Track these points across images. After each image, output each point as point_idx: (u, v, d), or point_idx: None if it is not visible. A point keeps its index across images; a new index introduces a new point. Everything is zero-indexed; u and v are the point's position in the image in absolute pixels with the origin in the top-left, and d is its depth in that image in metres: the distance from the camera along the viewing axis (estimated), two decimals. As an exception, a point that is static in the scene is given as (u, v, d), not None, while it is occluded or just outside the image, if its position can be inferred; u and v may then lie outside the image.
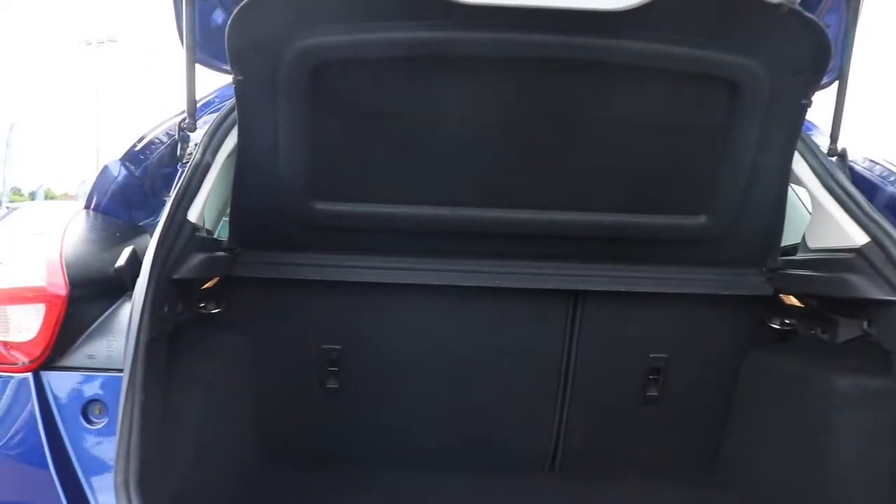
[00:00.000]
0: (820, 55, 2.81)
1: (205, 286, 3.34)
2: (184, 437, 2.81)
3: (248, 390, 3.61)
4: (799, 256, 3.48)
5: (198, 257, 2.70)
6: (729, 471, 3.75)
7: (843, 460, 2.94)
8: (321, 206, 3.29)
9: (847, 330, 3.25)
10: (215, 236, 3.42)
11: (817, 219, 3.28)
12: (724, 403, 3.79)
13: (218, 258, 3.07)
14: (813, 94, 2.96)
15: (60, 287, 2.38)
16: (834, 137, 3.30)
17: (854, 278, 2.88)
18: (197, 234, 2.80)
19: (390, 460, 3.84)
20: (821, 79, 2.90)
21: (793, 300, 3.56)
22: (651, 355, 3.71)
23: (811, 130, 3.44)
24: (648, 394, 3.77)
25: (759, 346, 3.72)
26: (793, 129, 3.08)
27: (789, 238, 3.60)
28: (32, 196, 37.87)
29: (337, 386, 3.72)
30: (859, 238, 2.97)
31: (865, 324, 2.97)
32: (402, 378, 3.73)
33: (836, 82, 3.22)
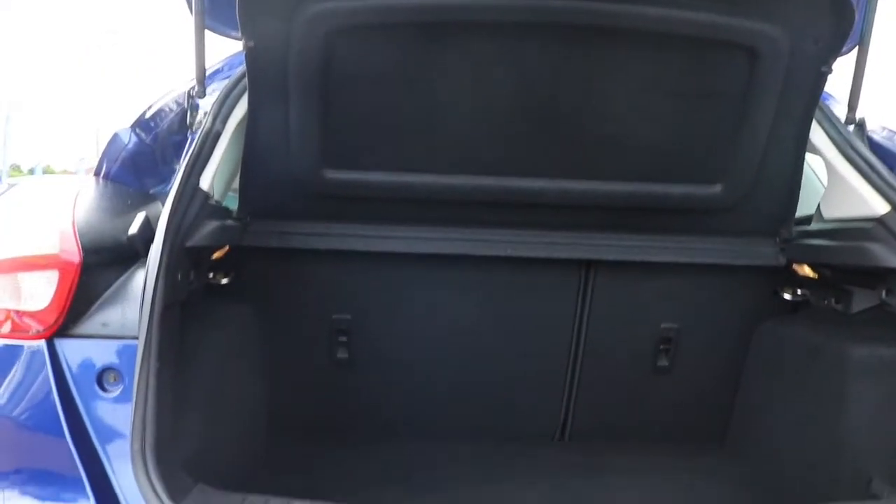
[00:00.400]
0: (842, 21, 2.74)
1: (214, 256, 3.30)
2: (196, 406, 2.78)
3: (259, 361, 3.57)
4: (814, 226, 3.43)
5: (210, 225, 2.66)
6: (739, 440, 3.73)
7: (857, 428, 2.92)
8: (332, 174, 3.23)
9: (862, 300, 3.22)
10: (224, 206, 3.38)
11: (834, 188, 3.23)
12: (735, 374, 3.77)
13: (229, 226, 3.02)
14: (833, 61, 2.89)
15: (74, 254, 2.33)
16: (852, 106, 3.24)
17: (873, 247, 2.84)
18: (209, 202, 2.75)
19: (400, 431, 3.82)
20: (842, 46, 2.84)
21: (806, 271, 3.53)
22: (662, 325, 3.68)
23: (828, 100, 3.37)
24: (659, 364, 3.75)
25: (772, 316, 3.69)
26: (811, 97, 3.02)
27: (802, 209, 3.56)
28: (31, 172, 37.72)
29: (347, 356, 3.69)
30: (880, 207, 2.93)
31: (884, 293, 2.93)
32: (412, 348, 3.70)
33: (856, 49, 3.15)
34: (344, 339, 3.67)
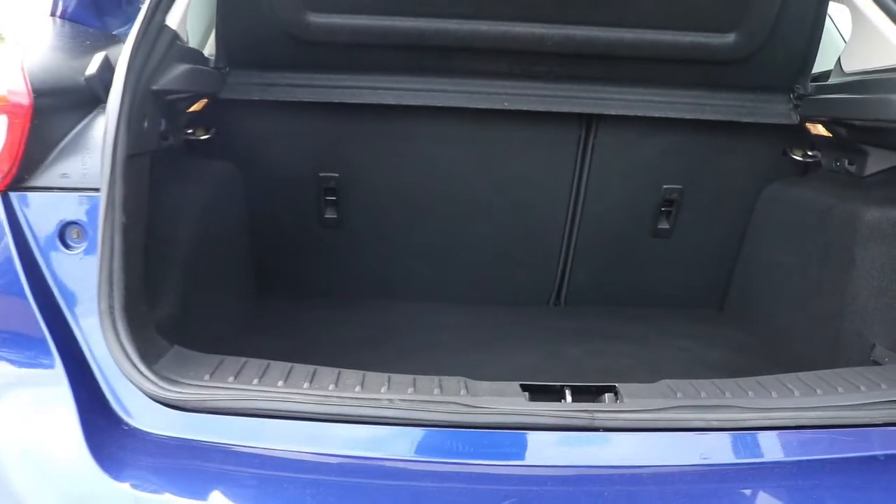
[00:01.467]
0: None
1: (191, 109, 3.04)
2: (174, 265, 2.61)
3: (243, 221, 3.38)
4: (832, 81, 3.15)
5: (180, 67, 2.38)
6: (739, 306, 3.60)
7: (863, 293, 2.75)
8: (316, 18, 2.93)
9: (878, 161, 2.99)
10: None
11: (859, 36, 2.93)
12: (738, 238, 3.59)
13: (204, 72, 2.75)
14: None
15: (23, 95, 2.06)
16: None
17: None
18: (178, 42, 2.47)
19: (390, 293, 3.68)
20: None
21: (819, 129, 3.27)
22: (664, 186, 3.47)
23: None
24: (660, 226, 3.56)
25: (779, 178, 3.48)
26: None
27: (819, 66, 3.28)
28: None
29: (335, 216, 3.50)
30: None
31: None
32: (403, 208, 3.50)
33: None
34: (332, 198, 3.46)
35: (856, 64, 2.98)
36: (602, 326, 3.50)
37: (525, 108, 3.19)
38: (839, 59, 3.12)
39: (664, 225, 3.56)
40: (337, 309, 3.55)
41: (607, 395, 2.04)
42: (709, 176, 3.48)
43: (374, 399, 1.95)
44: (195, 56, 2.63)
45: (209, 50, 3.42)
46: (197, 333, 2.69)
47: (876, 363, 2.68)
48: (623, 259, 3.65)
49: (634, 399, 1.98)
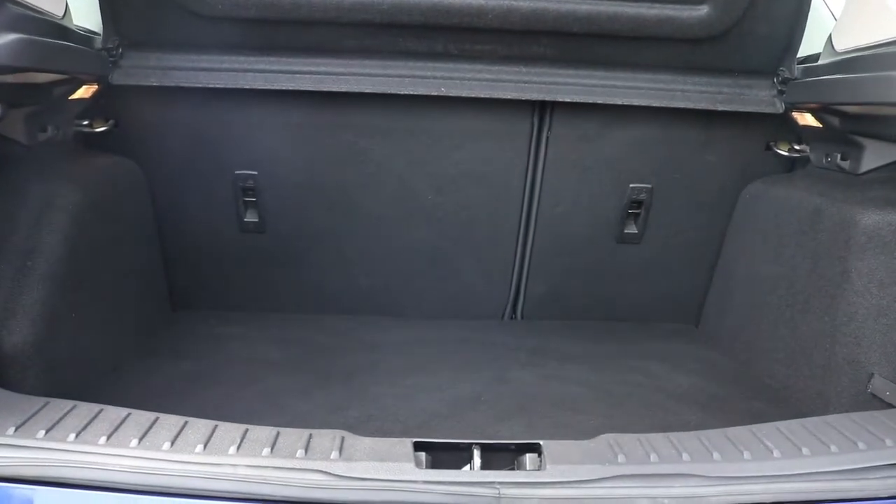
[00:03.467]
0: None
1: (74, 96, 2.52)
2: (38, 280, 2.11)
3: (146, 225, 2.87)
4: (822, 62, 2.62)
5: (12, 38, 1.85)
6: (717, 322, 3.07)
7: (859, 312, 2.22)
8: None
9: (876, 155, 2.49)
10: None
11: (853, 8, 2.41)
12: (716, 243, 3.07)
13: (68, 50, 2.22)
14: None
15: None
16: None
17: None
18: (16, 7, 1.94)
19: (322, 307, 3.15)
20: None
21: (808, 119, 2.75)
22: (632, 185, 2.95)
23: None
24: (627, 231, 3.04)
25: (761, 175, 2.96)
26: None
27: (806, 48, 2.75)
28: None
29: (256, 220, 2.97)
30: None
31: None
32: (333, 210, 2.98)
33: None
34: (252, 198, 2.94)
35: (849, 41, 2.44)
36: (561, 345, 2.96)
37: (465, 94, 2.67)
38: (830, 36, 2.59)
39: (632, 229, 3.03)
40: (259, 325, 3.02)
41: (528, 457, 1.50)
42: (682, 173, 2.96)
43: (213, 464, 1.42)
44: (44, 27, 2.09)
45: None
46: (73, 362, 2.20)
47: (875, 397, 2.16)
48: (586, 268, 3.12)
49: (561, 465, 1.44)
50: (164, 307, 3.04)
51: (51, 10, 2.23)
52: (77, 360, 2.27)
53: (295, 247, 3.03)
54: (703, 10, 2.50)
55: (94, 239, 2.41)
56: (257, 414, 2.27)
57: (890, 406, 2.06)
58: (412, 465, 1.43)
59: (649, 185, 2.95)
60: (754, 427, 1.64)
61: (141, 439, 1.49)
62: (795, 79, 2.67)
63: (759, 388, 2.58)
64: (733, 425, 2.29)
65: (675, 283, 3.16)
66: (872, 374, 2.17)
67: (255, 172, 2.88)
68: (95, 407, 1.63)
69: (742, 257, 2.91)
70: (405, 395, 2.44)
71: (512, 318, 3.23)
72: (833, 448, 1.53)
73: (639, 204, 2.98)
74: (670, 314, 3.23)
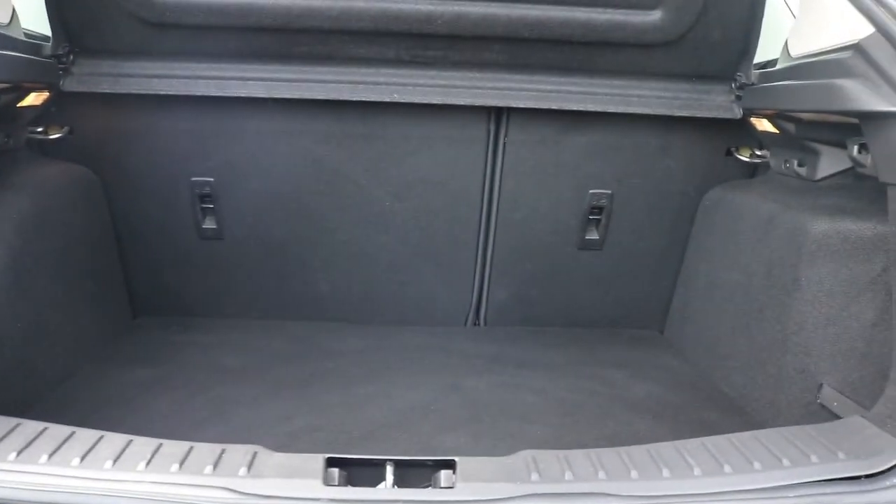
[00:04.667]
0: None
1: (23, 103, 2.49)
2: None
3: (101, 233, 2.84)
4: (778, 67, 2.58)
5: None
6: (679, 328, 3.03)
7: (810, 320, 2.17)
8: None
9: (830, 162, 2.45)
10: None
11: (807, 13, 2.37)
12: (678, 250, 3.02)
13: (10, 58, 2.19)
14: None
15: None
16: None
17: (849, 84, 1.92)
18: None
19: (282, 313, 3.12)
20: None
21: (766, 125, 2.71)
22: (591, 191, 2.91)
23: None
24: (588, 237, 3.00)
25: (722, 181, 2.92)
26: None
27: (765, 54, 2.71)
28: None
29: (214, 226, 2.94)
30: (861, 30, 2.04)
31: (856, 149, 2.10)
32: (290, 216, 2.95)
33: None
34: (209, 205, 2.91)
35: (804, 45, 2.40)
36: (521, 352, 2.92)
37: (418, 100, 2.64)
38: (786, 41, 2.55)
39: (593, 235, 2.99)
40: (219, 331, 2.99)
41: (443, 474, 1.47)
42: (642, 179, 2.92)
43: (118, 481, 1.39)
44: None
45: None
46: (19, 372, 2.18)
47: (824, 407, 2.12)
48: (548, 274, 3.08)
49: (472, 483, 1.41)
50: (123, 314, 3.01)
51: (-5, 17, 2.21)
52: (24, 370, 2.24)
53: (254, 253, 3.00)
54: (655, 16, 2.46)
55: (41, 248, 2.37)
56: (203, 423, 2.25)
57: (837, 417, 2.03)
58: (320, 482, 1.40)
59: (609, 191, 2.91)
60: (679, 443, 1.60)
61: (51, 455, 1.47)
62: (752, 84, 2.63)
63: (716, 396, 2.54)
64: (684, 436, 2.25)
65: (639, 288, 3.11)
66: (822, 384, 2.13)
67: (212, 179, 2.85)
68: (11, 421, 1.60)
69: (703, 263, 2.87)
70: (355, 405, 2.40)
71: (475, 324, 3.19)
72: (756, 465, 1.49)
73: (599, 210, 2.95)
74: (636, 320, 3.18)
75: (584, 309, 3.16)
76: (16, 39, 2.30)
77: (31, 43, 2.44)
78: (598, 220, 2.96)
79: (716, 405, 2.48)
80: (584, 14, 2.44)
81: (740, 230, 2.62)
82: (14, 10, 2.38)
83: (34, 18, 2.59)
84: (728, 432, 2.26)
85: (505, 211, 2.92)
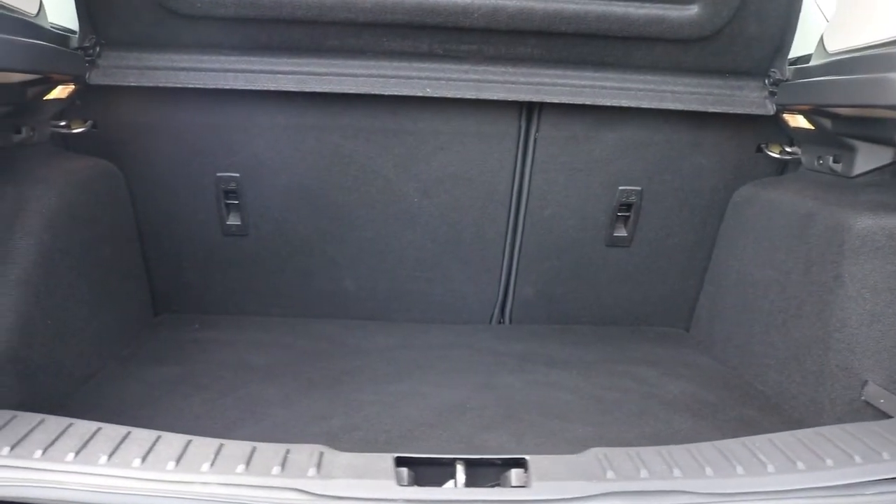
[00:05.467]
0: None
1: (49, 96, 2.44)
2: (11, 286, 2.04)
3: (125, 228, 2.79)
4: (814, 63, 2.56)
5: None
6: (708, 325, 3.01)
7: (854, 317, 2.16)
8: None
9: (867, 158, 2.44)
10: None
11: (845, 8, 2.36)
12: (707, 247, 3.01)
13: (42, 49, 2.14)
14: None
15: None
16: None
17: None
18: None
19: (307, 311, 3.08)
20: None
21: (799, 121, 2.69)
22: (621, 187, 2.89)
23: None
24: (616, 234, 2.98)
25: (752, 178, 2.90)
26: None
27: (798, 49, 2.70)
28: None
29: (239, 223, 2.90)
30: None
31: None
32: (317, 212, 2.90)
33: None
34: (234, 201, 2.87)
35: (842, 41, 2.39)
36: (549, 350, 2.90)
37: (451, 95, 2.61)
38: (822, 37, 2.54)
39: (621, 232, 2.97)
40: (242, 329, 2.94)
41: (514, 473, 1.44)
42: (672, 175, 2.89)
43: (184, 482, 1.35)
44: (16, 25, 2.02)
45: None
46: (48, 370, 2.14)
47: (868, 404, 2.10)
48: (574, 271, 3.05)
49: (547, 482, 1.38)
50: (145, 311, 2.96)
51: (23, 8, 2.15)
52: (53, 368, 2.19)
53: (279, 250, 2.96)
54: (693, 10, 2.44)
55: (69, 243, 2.33)
56: (236, 423, 2.20)
57: (884, 414, 2.02)
58: (393, 482, 1.36)
59: (639, 188, 2.89)
60: (746, 439, 1.58)
61: (111, 456, 1.42)
62: (787, 80, 2.62)
63: (751, 394, 2.53)
64: (725, 433, 2.26)
65: (665, 286, 3.10)
66: (866, 381, 2.12)
67: (238, 174, 2.81)
68: (65, 421, 1.56)
69: (733, 261, 2.85)
70: (389, 403, 2.37)
71: (500, 322, 3.16)
72: (829, 462, 1.47)
73: (628, 207, 2.93)
74: (661, 318, 3.17)
75: (610, 306, 3.14)
76: (45, 29, 2.25)
77: (59, 34, 2.38)
78: (627, 217, 2.94)
79: (752, 403, 2.46)
80: (622, 9, 2.41)
81: (774, 227, 2.60)
82: (41, 2, 2.32)
83: (57, 11, 2.54)
84: (769, 429, 2.26)
85: (534, 207, 2.89)
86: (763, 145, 2.86)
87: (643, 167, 2.86)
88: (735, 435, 2.24)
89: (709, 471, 1.44)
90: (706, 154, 2.85)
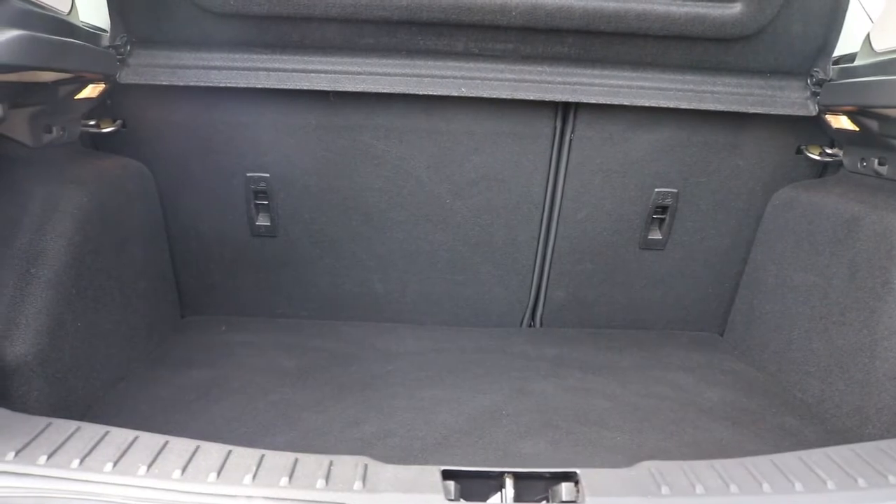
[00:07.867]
0: None
1: (80, 96, 2.42)
2: (43, 287, 2.01)
3: (154, 228, 2.77)
4: (858, 62, 2.50)
5: (14, 34, 1.75)
6: (744, 331, 2.94)
7: None
8: None
9: (915, 159, 2.36)
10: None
11: (894, 7, 2.29)
12: (743, 250, 2.95)
13: (74, 47, 2.11)
14: None
15: None
16: None
17: None
18: (19, 3, 1.84)
19: (336, 314, 3.04)
20: None
21: (842, 122, 2.63)
22: (657, 190, 2.83)
23: None
24: (651, 237, 2.92)
25: (791, 180, 2.84)
26: None
27: (841, 48, 2.63)
28: None
29: (268, 223, 2.87)
30: None
31: None
32: (347, 213, 2.87)
33: None
34: (264, 201, 2.84)
35: (890, 40, 2.32)
36: (583, 354, 2.85)
37: (486, 95, 2.56)
38: (868, 35, 2.47)
39: (656, 235, 2.91)
40: (271, 331, 2.91)
41: (564, 487, 1.39)
42: (709, 178, 2.83)
43: (227, 496, 1.31)
44: (49, 23, 1.99)
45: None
46: (78, 373, 2.12)
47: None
48: (607, 274, 3.00)
49: (601, 498, 1.34)
50: (173, 313, 2.94)
51: (56, 6, 2.13)
52: (83, 371, 2.17)
53: (308, 251, 2.92)
54: (736, 9, 2.38)
55: (99, 244, 2.31)
56: (270, 429, 2.18)
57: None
58: (441, 496, 1.32)
59: (675, 190, 2.83)
60: (803, 453, 1.52)
61: (150, 466, 1.39)
62: (830, 80, 2.56)
63: (790, 402, 2.47)
64: (766, 442, 2.20)
65: (699, 290, 3.04)
66: None
67: (268, 175, 2.78)
68: (101, 429, 1.52)
69: (772, 265, 2.79)
70: (423, 409, 2.33)
71: (531, 325, 3.12)
72: (891, 479, 1.42)
73: (664, 209, 2.87)
74: (694, 322, 3.11)
75: (643, 310, 3.08)
76: (77, 28, 2.22)
77: (91, 32, 2.36)
78: (662, 220, 2.89)
79: (792, 411, 2.40)
80: (663, 7, 2.36)
81: (816, 230, 2.54)
82: (73, 1, 2.30)
83: (88, 10, 2.52)
84: (811, 439, 2.22)
85: (567, 210, 2.84)
86: (802, 147, 2.80)
87: (679, 169, 2.80)
88: (777, 444, 2.21)
89: (766, 487, 1.39)
90: (744, 156, 2.79)
